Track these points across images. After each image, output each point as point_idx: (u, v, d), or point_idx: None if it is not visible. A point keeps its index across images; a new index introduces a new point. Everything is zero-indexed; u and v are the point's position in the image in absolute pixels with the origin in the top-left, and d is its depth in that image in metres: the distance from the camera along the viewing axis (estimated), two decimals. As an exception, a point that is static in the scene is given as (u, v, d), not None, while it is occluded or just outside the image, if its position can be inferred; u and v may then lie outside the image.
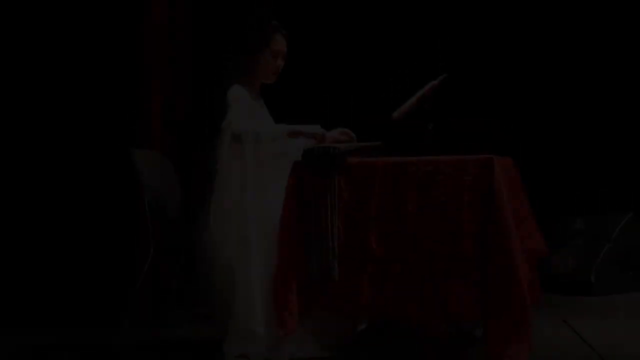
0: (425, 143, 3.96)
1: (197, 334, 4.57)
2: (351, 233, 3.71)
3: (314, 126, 4.00)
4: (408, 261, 3.63)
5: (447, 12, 6.60)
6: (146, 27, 5.27)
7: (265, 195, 3.81)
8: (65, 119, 5.40)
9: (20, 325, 4.90)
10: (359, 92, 6.47)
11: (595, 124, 6.42)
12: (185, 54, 5.73)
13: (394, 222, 3.67)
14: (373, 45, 6.55)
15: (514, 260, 3.51)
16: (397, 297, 3.65)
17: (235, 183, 3.81)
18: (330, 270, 3.68)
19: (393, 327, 3.99)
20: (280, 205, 3.78)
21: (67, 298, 5.20)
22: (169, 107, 5.44)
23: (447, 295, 3.59)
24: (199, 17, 5.84)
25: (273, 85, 4.20)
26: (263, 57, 4.09)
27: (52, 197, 5.36)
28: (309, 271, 3.71)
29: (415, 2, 6.62)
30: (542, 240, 4.02)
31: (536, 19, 6.48)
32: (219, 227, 3.85)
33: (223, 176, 3.84)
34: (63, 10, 5.39)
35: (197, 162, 5.15)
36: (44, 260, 5.30)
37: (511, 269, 3.50)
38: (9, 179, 5.37)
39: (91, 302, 5.18)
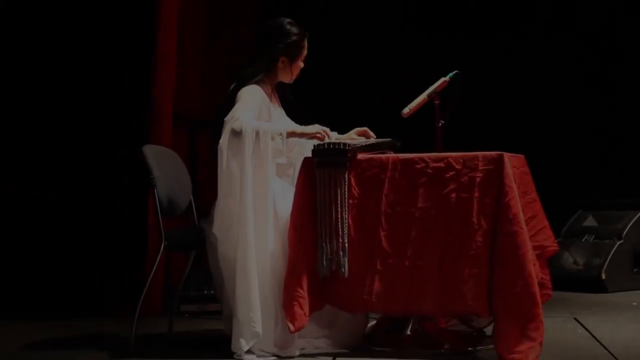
0: (436, 139, 3.95)
1: (207, 328, 4.59)
2: (361, 229, 3.71)
3: (314, 126, 3.95)
4: (417, 257, 3.63)
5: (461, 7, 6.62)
6: (159, 19, 5.25)
7: (265, 192, 3.76)
8: (78, 116, 5.41)
9: (28, 317, 4.93)
10: (370, 89, 6.47)
11: (607, 121, 6.41)
12: (198, 47, 5.73)
13: (404, 218, 3.67)
14: (385, 40, 6.55)
15: (524, 257, 3.50)
16: (407, 293, 3.65)
17: (235, 180, 3.77)
18: (340, 267, 3.69)
19: (403, 323, 3.99)
20: (280, 203, 3.77)
21: (78, 291, 5.21)
22: (180, 102, 5.43)
23: (457, 291, 3.59)
24: (212, 8, 5.85)
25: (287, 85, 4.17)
26: (297, 63, 4.08)
27: (65, 195, 5.38)
28: (318, 267, 3.71)
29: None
30: (552, 237, 4.01)
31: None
32: (221, 224, 3.83)
33: (223, 172, 3.79)
34: (75, 8, 5.40)
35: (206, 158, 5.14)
36: (56, 253, 5.32)
37: (521, 266, 3.50)
38: (25, 173, 5.39)
39: (103, 295, 5.20)
